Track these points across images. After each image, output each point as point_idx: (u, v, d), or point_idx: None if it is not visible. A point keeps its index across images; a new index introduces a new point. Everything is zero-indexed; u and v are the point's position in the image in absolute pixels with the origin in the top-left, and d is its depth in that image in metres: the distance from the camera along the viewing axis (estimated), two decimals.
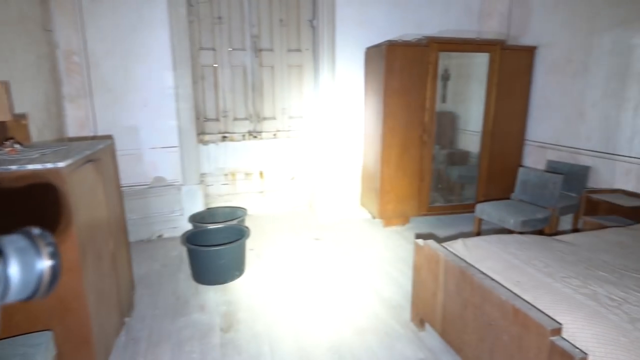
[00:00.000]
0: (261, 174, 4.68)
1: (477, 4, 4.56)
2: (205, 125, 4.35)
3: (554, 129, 4.01)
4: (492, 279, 1.86)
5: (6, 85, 2.20)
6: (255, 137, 4.56)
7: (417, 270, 2.41)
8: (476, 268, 1.98)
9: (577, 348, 1.41)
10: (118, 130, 3.73)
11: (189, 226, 3.58)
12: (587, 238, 2.45)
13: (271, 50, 4.42)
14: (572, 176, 3.48)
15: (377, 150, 4.01)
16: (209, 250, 2.90)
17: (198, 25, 4.12)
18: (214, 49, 4.23)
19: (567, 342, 1.44)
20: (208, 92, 4.31)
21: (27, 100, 2.80)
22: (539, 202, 3.30)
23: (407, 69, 3.82)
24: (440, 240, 2.39)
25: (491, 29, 4.57)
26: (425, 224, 4.31)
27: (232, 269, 3.04)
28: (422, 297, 2.35)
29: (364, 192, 4.46)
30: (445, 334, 2.14)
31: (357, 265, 3.33)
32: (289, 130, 4.66)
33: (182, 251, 3.49)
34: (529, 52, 4.11)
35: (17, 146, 2.00)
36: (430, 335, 2.38)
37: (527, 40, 4.24)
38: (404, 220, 4.23)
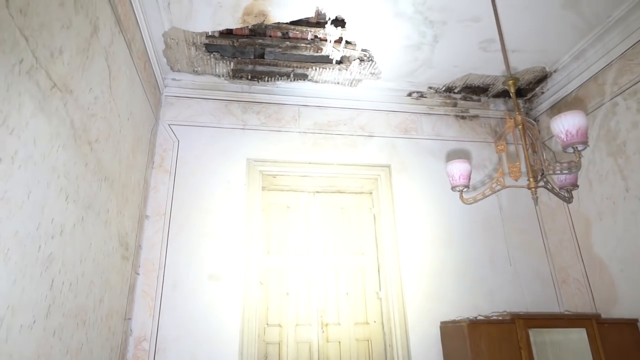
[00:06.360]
0: None
1: (547, 270, 4.44)
2: None
3: None
4: None
5: None
6: None
7: None
8: None
9: None
10: None
11: None
12: None
13: (338, 324, 4.23)
14: None
15: None
16: None
17: (266, 302, 4.14)
18: (280, 325, 4.10)
19: None
20: None
21: None
22: None
23: (496, 352, 3.39)
24: None
25: (572, 298, 4.28)
26: None
27: None
28: None
29: None
30: None
31: None
32: None
33: None
34: (631, 325, 3.64)
35: None
36: None
37: (619, 311, 3.83)
38: None
